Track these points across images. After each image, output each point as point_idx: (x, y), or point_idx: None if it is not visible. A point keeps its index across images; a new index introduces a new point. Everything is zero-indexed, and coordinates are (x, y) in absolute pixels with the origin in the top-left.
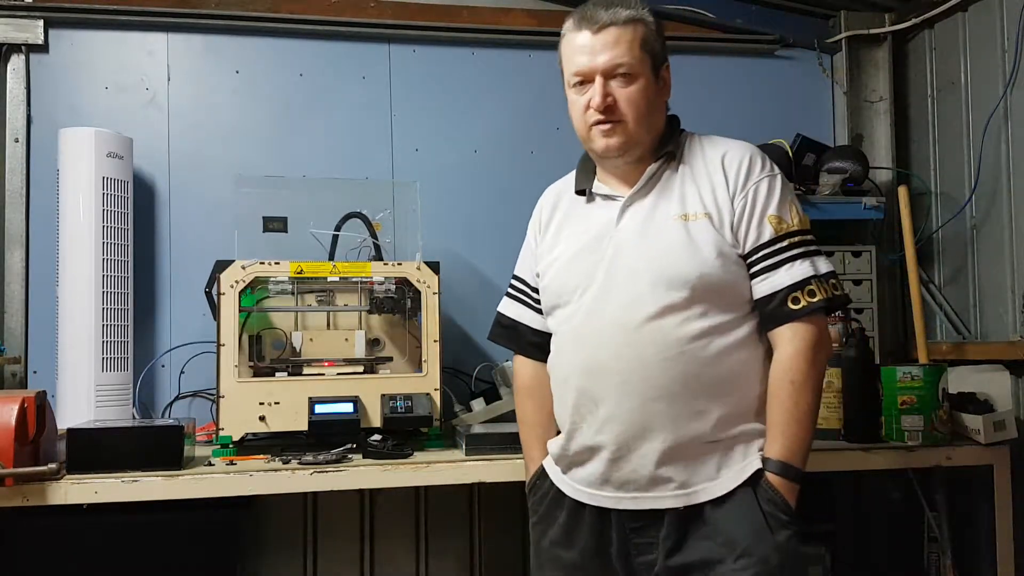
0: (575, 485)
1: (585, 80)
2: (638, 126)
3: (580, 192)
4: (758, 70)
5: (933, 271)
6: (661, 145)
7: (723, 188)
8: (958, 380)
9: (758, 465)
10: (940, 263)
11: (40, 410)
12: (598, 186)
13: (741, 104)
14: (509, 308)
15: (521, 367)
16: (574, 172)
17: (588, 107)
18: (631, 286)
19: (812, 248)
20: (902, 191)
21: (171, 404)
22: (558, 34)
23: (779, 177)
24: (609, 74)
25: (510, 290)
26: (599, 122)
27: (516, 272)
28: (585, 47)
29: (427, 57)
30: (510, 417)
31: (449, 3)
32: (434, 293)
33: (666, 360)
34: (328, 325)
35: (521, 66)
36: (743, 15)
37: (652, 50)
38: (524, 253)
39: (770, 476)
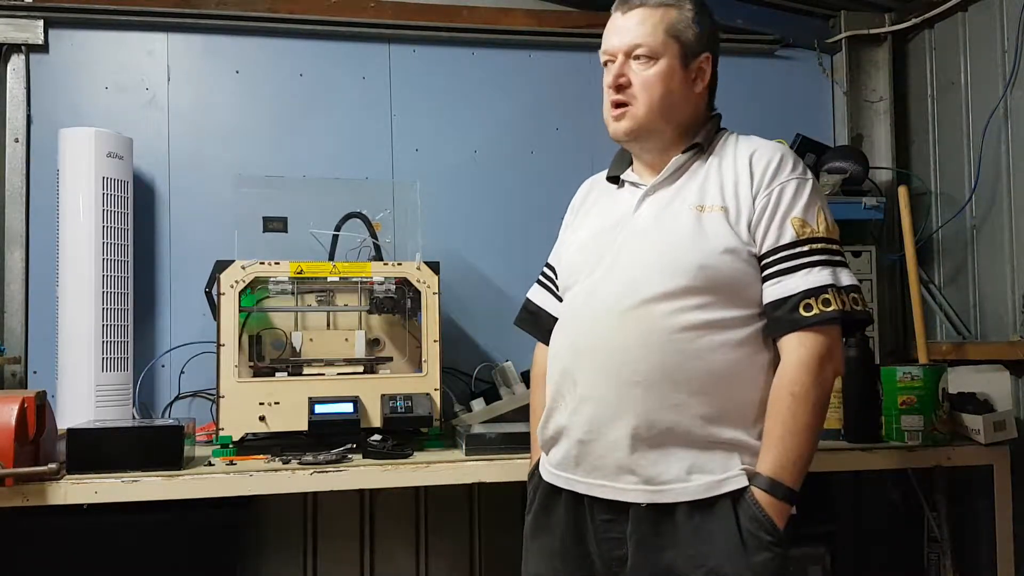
0: (551, 469)
1: (610, 61)
2: (650, 111)
3: (612, 179)
4: (758, 70)
5: (933, 271)
6: (692, 137)
7: (746, 184)
8: (958, 380)
9: (742, 483)
10: (940, 263)
11: (40, 410)
12: (629, 174)
13: (741, 104)
14: (536, 294)
15: (539, 355)
16: None
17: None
18: (631, 271)
19: (836, 258)
20: (902, 191)
21: (171, 404)
22: (558, 34)
23: (810, 182)
24: (629, 54)
25: (540, 277)
26: (612, 104)
27: (548, 260)
28: (614, 27)
29: (427, 57)
30: (510, 417)
31: (449, 3)
32: (434, 293)
33: (650, 346)
34: (328, 325)
35: (521, 66)
36: (743, 15)
37: (681, 36)
38: (557, 242)
39: (755, 492)
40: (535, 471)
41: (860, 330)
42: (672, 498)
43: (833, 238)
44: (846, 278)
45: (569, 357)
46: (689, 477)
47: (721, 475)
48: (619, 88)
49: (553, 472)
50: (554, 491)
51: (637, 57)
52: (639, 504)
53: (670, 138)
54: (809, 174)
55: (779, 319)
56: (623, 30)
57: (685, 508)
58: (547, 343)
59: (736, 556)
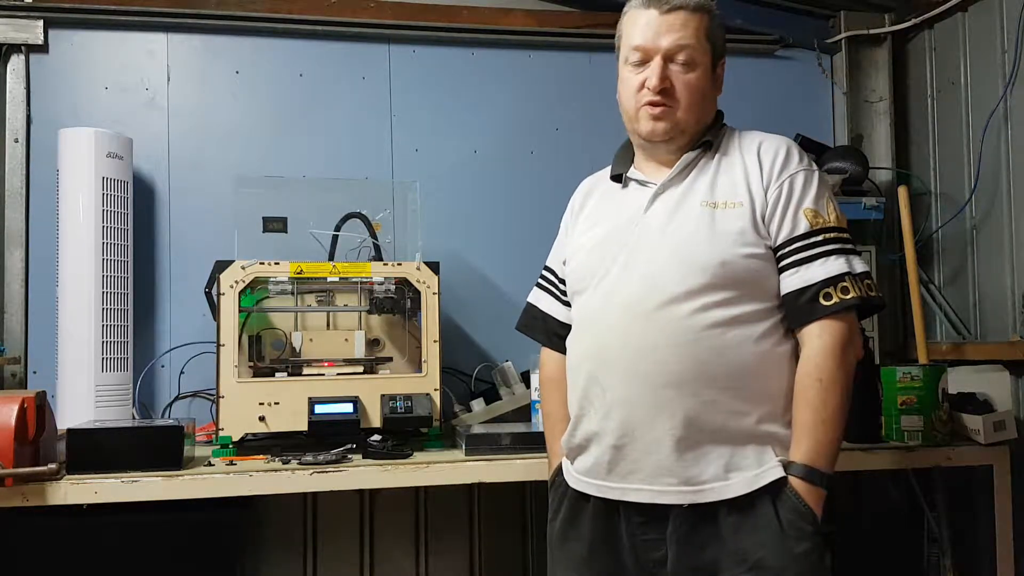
0: (579, 476)
1: (644, 59)
2: (688, 114)
3: (616, 178)
4: (758, 70)
5: (933, 271)
6: (702, 136)
7: (757, 177)
8: (958, 380)
9: (778, 474)
10: (940, 263)
11: (40, 410)
12: (633, 172)
13: (741, 104)
14: (537, 299)
15: (547, 359)
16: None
17: (642, 87)
18: (648, 272)
19: (848, 246)
20: (902, 191)
21: (171, 404)
22: (558, 34)
23: (817, 173)
24: (670, 57)
25: (540, 280)
26: (651, 103)
27: (547, 263)
28: (651, 25)
29: (427, 57)
30: (510, 417)
31: (449, 3)
32: (434, 293)
33: (678, 346)
34: (328, 325)
35: (521, 66)
36: (743, 15)
37: (714, 42)
38: (556, 244)
39: (793, 481)
40: (557, 478)
41: (873, 314)
42: (712, 497)
43: (843, 227)
44: (859, 265)
45: (595, 362)
46: (728, 476)
47: (757, 469)
48: (663, 92)
49: (581, 479)
50: (581, 498)
51: (675, 60)
52: (680, 505)
53: (691, 138)
54: (815, 165)
55: (800, 308)
56: (663, 30)
57: (725, 505)
58: (552, 347)
59: (778, 548)
